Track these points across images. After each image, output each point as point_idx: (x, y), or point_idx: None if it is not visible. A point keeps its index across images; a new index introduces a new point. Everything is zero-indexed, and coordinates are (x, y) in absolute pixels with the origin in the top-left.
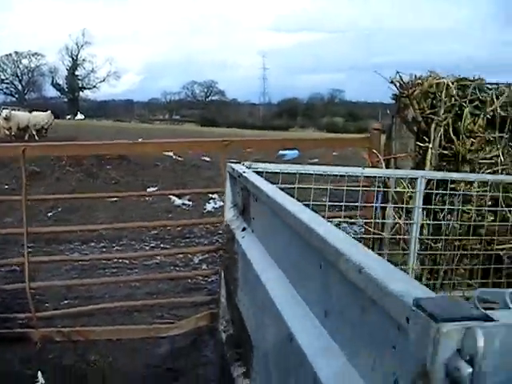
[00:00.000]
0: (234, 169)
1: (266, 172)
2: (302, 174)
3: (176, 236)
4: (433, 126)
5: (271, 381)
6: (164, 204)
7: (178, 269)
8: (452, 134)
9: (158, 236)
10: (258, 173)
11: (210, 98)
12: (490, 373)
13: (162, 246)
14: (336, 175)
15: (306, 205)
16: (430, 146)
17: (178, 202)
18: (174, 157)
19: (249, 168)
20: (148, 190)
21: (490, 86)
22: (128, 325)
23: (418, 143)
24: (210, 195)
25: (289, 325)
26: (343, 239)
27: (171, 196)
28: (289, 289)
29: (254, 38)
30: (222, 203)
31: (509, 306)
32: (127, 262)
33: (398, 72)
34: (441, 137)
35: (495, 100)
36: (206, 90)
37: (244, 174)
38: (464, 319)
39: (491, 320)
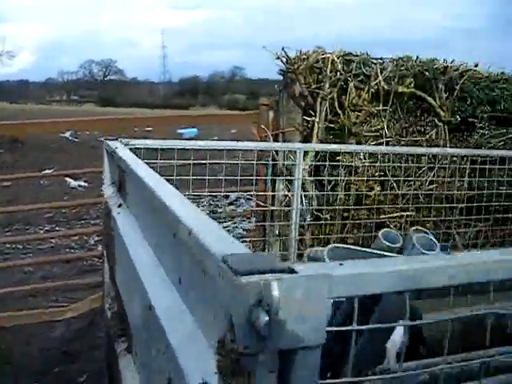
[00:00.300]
0: (109, 146)
1: (146, 148)
2: (180, 149)
3: (72, 218)
4: (318, 100)
5: (144, 351)
6: (59, 187)
7: (73, 251)
8: (338, 108)
9: (52, 219)
10: (137, 149)
11: (108, 77)
12: (289, 321)
13: (57, 229)
14: (213, 149)
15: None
16: (317, 120)
17: (73, 183)
18: (71, 138)
19: (126, 145)
20: (43, 172)
21: (374, 61)
22: (22, 310)
23: (305, 117)
24: None
25: (149, 294)
26: (188, 209)
27: (67, 178)
28: (153, 261)
29: (153, 15)
30: None
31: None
32: (21, 246)
33: (283, 48)
34: (326, 111)
35: (379, 74)
36: (104, 70)
37: (116, 150)
38: (265, 272)
39: (292, 272)
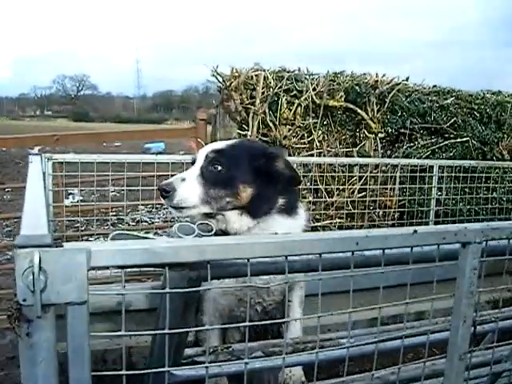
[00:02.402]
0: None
1: (67, 162)
2: (99, 162)
3: None
4: (251, 115)
5: None
6: (21, 201)
7: None
8: (269, 122)
9: (11, 233)
10: (60, 163)
11: (82, 92)
12: (54, 282)
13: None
14: (131, 163)
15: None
16: (249, 133)
17: None
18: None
19: (49, 159)
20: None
21: (307, 77)
22: None
23: (239, 131)
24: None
25: None
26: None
27: None
28: None
29: (126, 31)
30: (81, 197)
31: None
32: None
33: (217, 65)
34: (259, 124)
35: (310, 89)
36: (77, 84)
37: (30, 164)
38: (34, 246)
39: (58, 247)
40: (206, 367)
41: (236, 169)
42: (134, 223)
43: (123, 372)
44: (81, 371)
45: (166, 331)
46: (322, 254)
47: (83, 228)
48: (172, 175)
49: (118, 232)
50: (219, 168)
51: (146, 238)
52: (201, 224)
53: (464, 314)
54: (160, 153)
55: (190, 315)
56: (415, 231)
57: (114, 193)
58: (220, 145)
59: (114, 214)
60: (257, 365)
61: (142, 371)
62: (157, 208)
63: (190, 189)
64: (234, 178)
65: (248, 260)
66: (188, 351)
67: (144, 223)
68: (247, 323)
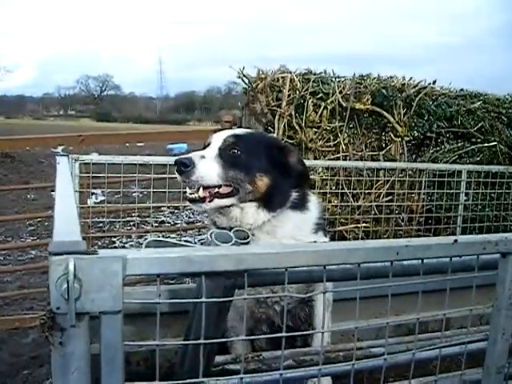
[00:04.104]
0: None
1: (93, 163)
2: (126, 164)
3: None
4: (277, 117)
5: None
6: (45, 201)
7: None
8: (295, 125)
9: (35, 232)
10: (86, 164)
11: (105, 92)
12: (89, 290)
13: (38, 240)
14: (159, 164)
15: None
16: (275, 135)
17: None
18: (62, 153)
19: (76, 160)
20: (27, 185)
21: (333, 79)
22: None
23: None
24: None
25: None
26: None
27: (53, 192)
28: None
29: (150, 31)
30: (103, 197)
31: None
32: (1, 258)
33: (243, 67)
34: (285, 127)
35: (337, 92)
36: (101, 85)
37: (57, 166)
38: (69, 253)
39: (92, 254)
40: (241, 378)
41: (253, 156)
42: (156, 224)
43: (156, 383)
44: (114, 381)
45: (202, 341)
46: (360, 263)
47: (105, 229)
48: None
49: (152, 239)
50: (238, 152)
51: (182, 245)
52: (237, 231)
53: (503, 326)
54: (182, 153)
55: (223, 322)
56: (456, 241)
57: (136, 193)
58: (237, 131)
59: (137, 214)
60: (290, 374)
61: (177, 382)
62: (179, 209)
63: (210, 166)
64: (251, 164)
65: (286, 269)
66: (218, 358)
67: (167, 224)
68: (284, 334)
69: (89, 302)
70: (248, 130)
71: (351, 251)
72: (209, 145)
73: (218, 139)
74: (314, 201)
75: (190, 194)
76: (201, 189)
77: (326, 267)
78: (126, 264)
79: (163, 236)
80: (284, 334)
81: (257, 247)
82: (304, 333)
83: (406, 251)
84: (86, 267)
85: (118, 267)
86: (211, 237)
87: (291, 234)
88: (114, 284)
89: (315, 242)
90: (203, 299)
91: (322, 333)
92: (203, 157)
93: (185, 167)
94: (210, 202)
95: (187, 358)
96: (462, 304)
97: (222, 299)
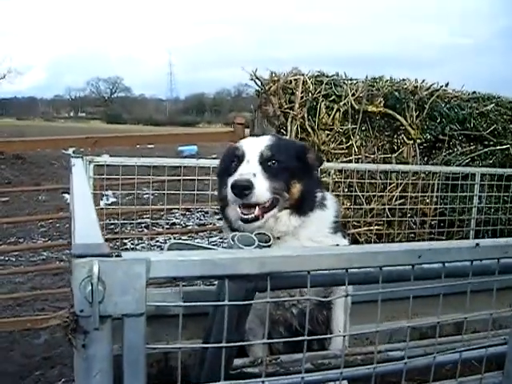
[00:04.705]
0: (72, 162)
1: (107, 165)
2: (139, 165)
3: (65, 232)
4: (289, 119)
5: None
6: (56, 202)
7: (63, 263)
8: (308, 127)
9: (46, 233)
10: (100, 165)
11: (115, 94)
12: (113, 292)
13: (49, 242)
14: (172, 166)
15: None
16: (287, 138)
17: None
18: (73, 155)
19: (91, 162)
20: (38, 187)
21: (346, 82)
22: (8, 318)
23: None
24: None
25: None
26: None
27: (65, 194)
28: None
29: (160, 34)
30: (114, 199)
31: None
32: (13, 259)
33: (256, 69)
34: (297, 129)
35: (349, 94)
36: (111, 87)
37: (72, 167)
38: (93, 256)
39: (117, 256)
40: (262, 382)
41: (286, 164)
42: (167, 226)
43: None
44: (136, 383)
45: (224, 344)
46: (382, 266)
47: (117, 230)
48: (214, 180)
49: (174, 242)
50: (275, 164)
51: (205, 247)
52: (258, 234)
53: None
54: (193, 155)
55: (243, 326)
56: (477, 244)
57: (147, 195)
58: (267, 140)
59: (148, 216)
60: (311, 378)
61: None
62: (191, 211)
63: (263, 184)
64: (286, 173)
65: (309, 272)
66: (236, 361)
67: (178, 226)
68: (306, 337)
69: (112, 304)
70: (269, 137)
71: (373, 254)
72: (242, 156)
73: (252, 151)
74: (331, 199)
75: (245, 214)
76: (257, 208)
77: (349, 270)
78: (149, 267)
79: (175, 238)
80: (306, 338)
81: (280, 250)
82: (325, 336)
83: (428, 254)
84: (110, 270)
85: (141, 270)
86: (234, 240)
87: (314, 235)
88: (137, 287)
89: (338, 245)
90: (226, 302)
91: (344, 336)
92: (255, 175)
93: (246, 190)
94: (262, 218)
95: (207, 361)
96: (474, 307)
97: (243, 302)
